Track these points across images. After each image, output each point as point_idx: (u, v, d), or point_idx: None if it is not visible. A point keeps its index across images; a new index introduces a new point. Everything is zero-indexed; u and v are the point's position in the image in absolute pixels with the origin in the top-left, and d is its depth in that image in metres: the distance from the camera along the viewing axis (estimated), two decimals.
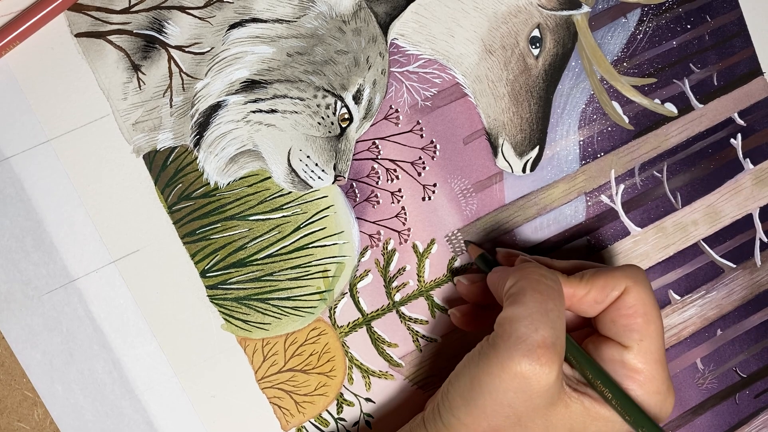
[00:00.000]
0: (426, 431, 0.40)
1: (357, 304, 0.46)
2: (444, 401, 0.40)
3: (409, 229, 0.47)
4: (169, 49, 0.42)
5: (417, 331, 0.47)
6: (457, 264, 0.47)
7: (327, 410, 0.46)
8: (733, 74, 0.51)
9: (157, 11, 0.42)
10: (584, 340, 0.42)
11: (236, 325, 0.44)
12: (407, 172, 0.46)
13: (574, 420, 0.39)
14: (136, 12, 0.42)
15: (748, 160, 0.52)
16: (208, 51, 0.43)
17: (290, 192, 0.45)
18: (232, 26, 0.43)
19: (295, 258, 0.45)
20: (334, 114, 0.44)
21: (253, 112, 0.44)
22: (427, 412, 0.41)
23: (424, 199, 0.47)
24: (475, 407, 0.38)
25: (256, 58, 0.43)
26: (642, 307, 0.40)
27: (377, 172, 0.46)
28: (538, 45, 0.47)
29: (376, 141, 0.46)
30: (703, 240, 0.52)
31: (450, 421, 0.39)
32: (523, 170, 0.48)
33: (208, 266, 0.44)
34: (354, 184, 0.46)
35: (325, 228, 0.45)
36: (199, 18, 0.42)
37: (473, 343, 0.47)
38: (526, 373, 0.36)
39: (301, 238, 0.45)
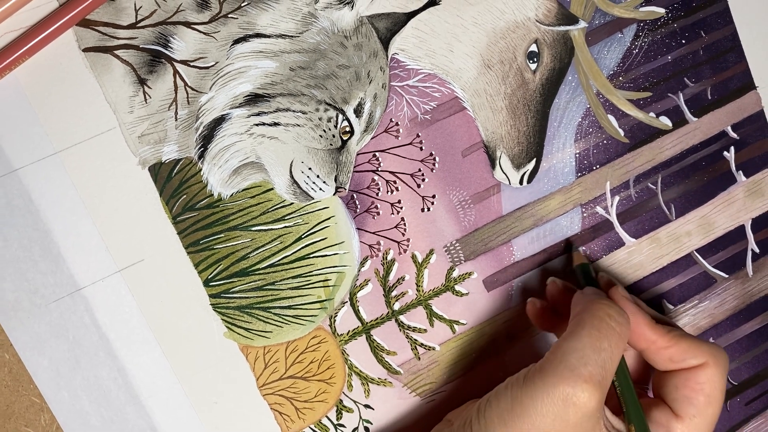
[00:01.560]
0: None
1: (357, 312, 0.47)
2: (480, 419, 0.40)
3: (408, 240, 0.48)
4: (174, 63, 0.43)
5: (415, 340, 0.48)
6: (455, 273, 0.48)
7: (327, 416, 0.47)
8: (726, 88, 0.52)
9: (163, 26, 0.43)
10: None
11: (238, 333, 0.45)
12: (407, 184, 0.47)
13: None
14: (143, 27, 0.43)
15: (740, 172, 0.53)
16: (212, 65, 0.44)
17: (292, 203, 0.45)
18: (236, 41, 0.44)
19: (297, 268, 0.46)
20: (336, 127, 0.45)
21: (256, 125, 0.44)
22: (458, 426, 0.42)
23: (423, 210, 0.48)
24: (512, 428, 0.39)
25: (260, 73, 0.44)
26: (710, 388, 0.41)
27: (377, 184, 0.47)
28: (535, 60, 0.48)
29: (377, 153, 0.47)
30: (696, 250, 0.53)
31: None
32: (521, 182, 0.49)
33: (212, 275, 0.45)
34: (354, 195, 0.47)
35: (325, 238, 0.46)
36: (204, 33, 0.43)
37: (470, 353, 0.48)
38: (568, 401, 0.37)
39: (303, 248, 0.46)
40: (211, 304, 0.45)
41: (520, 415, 0.38)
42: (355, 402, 0.47)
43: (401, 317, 0.48)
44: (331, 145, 0.45)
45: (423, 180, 0.47)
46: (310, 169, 0.45)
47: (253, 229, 0.45)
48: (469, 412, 0.42)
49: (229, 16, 0.44)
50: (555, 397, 0.38)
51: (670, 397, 0.42)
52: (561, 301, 0.47)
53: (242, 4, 0.44)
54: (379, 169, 0.47)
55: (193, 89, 0.43)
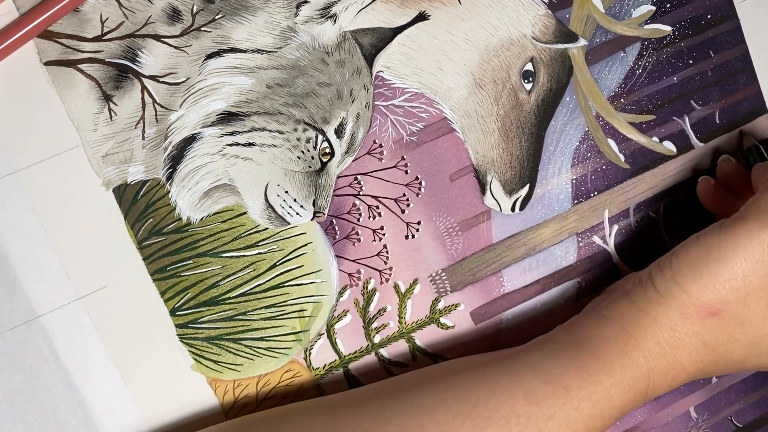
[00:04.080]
0: (632, 302, 0.40)
1: (334, 345, 0.45)
2: (663, 271, 0.40)
3: (390, 268, 0.45)
4: (142, 78, 0.41)
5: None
6: (441, 305, 0.46)
7: None
8: (736, 112, 0.49)
9: (130, 39, 0.40)
10: None
11: (207, 366, 0.43)
12: (390, 209, 0.45)
13: None
14: (109, 40, 0.40)
15: None
16: (183, 81, 0.41)
17: (266, 228, 0.43)
18: (210, 56, 0.41)
19: (270, 297, 0.43)
20: (315, 148, 0.43)
21: (230, 145, 0.42)
22: (631, 285, 0.41)
23: (407, 237, 0.45)
24: (706, 275, 0.39)
25: (234, 90, 0.42)
26: None
27: (359, 209, 0.44)
28: (531, 79, 0.46)
29: (359, 176, 0.44)
30: None
31: (669, 289, 0.40)
32: (512, 209, 0.46)
33: (179, 304, 0.42)
34: (334, 220, 0.44)
35: (302, 266, 0.44)
36: (175, 47, 0.41)
37: None
38: None
39: (277, 276, 0.43)
40: (177, 335, 0.42)
41: (718, 260, 0.39)
42: None
43: (382, 351, 0.45)
44: (309, 167, 0.43)
45: (408, 205, 0.45)
46: (286, 192, 0.43)
47: (224, 255, 0.43)
48: (640, 274, 0.42)
49: (202, 29, 0.41)
50: (760, 240, 0.38)
51: None
52: (733, 180, 0.47)
53: (216, 17, 0.41)
54: (361, 193, 0.44)
55: (162, 106, 0.41)
